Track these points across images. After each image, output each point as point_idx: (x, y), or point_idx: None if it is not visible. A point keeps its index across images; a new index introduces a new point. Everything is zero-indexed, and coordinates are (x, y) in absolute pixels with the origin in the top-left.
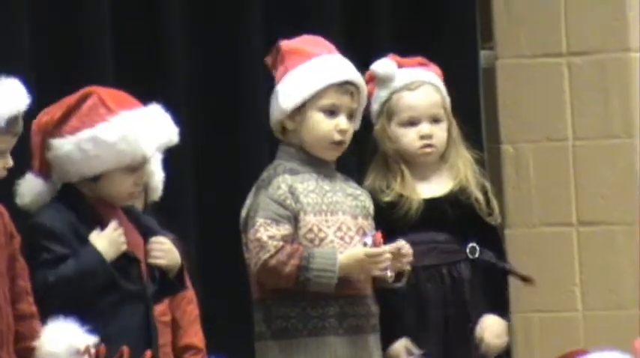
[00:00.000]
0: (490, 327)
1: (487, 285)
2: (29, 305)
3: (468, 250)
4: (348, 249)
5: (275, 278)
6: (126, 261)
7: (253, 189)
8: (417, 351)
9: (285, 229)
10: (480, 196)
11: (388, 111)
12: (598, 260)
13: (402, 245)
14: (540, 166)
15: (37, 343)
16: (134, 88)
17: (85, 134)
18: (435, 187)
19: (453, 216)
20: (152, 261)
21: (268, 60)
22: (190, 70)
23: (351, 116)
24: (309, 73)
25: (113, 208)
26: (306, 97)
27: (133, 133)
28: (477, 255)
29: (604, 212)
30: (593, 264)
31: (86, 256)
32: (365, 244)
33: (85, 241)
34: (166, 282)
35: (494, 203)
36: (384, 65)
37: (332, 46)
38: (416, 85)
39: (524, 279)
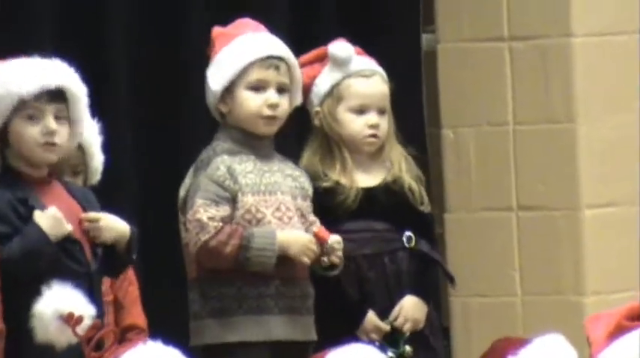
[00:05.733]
0: (408, 308)
1: (417, 270)
2: None
3: (405, 239)
4: (292, 230)
5: (215, 258)
6: (68, 241)
7: (192, 169)
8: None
9: (224, 210)
10: (415, 186)
11: (339, 94)
12: (537, 245)
13: (338, 240)
14: (481, 151)
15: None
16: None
17: None
18: (369, 177)
19: (389, 205)
20: (94, 239)
21: (208, 51)
22: (131, 55)
23: (281, 90)
24: (232, 53)
25: (50, 185)
26: (231, 77)
27: (3, 77)
28: (413, 244)
29: (544, 197)
30: (533, 249)
31: (31, 236)
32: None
33: (26, 220)
34: (112, 258)
35: (424, 193)
36: (344, 48)
37: (260, 25)
38: (370, 73)
39: (448, 277)
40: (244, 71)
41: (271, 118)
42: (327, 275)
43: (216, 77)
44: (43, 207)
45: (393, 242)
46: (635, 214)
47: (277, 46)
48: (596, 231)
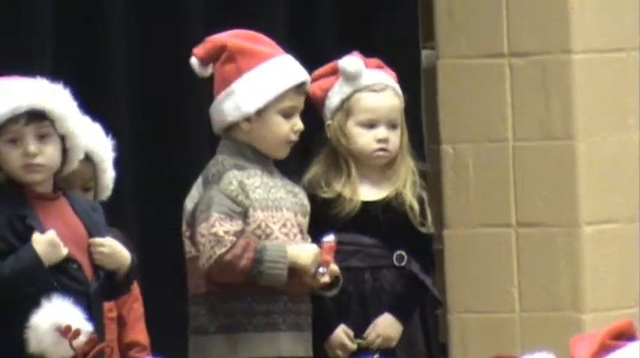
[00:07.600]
0: (380, 325)
1: (403, 290)
2: None
3: (395, 257)
4: (300, 244)
5: (229, 272)
6: (66, 261)
7: (199, 182)
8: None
9: (237, 225)
10: (415, 205)
11: (348, 108)
12: (536, 261)
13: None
14: (480, 167)
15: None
16: (74, 83)
17: None
18: (373, 191)
19: (385, 221)
20: (96, 262)
21: (200, 52)
22: (131, 63)
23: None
24: (269, 76)
25: (54, 202)
26: (269, 100)
27: None
28: (404, 264)
29: (543, 213)
30: (531, 266)
31: (24, 259)
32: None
33: (23, 238)
34: (112, 283)
35: (429, 213)
36: (354, 62)
37: (276, 45)
38: (380, 87)
39: (436, 301)
40: (280, 96)
41: (292, 143)
42: (325, 295)
43: (250, 97)
44: (40, 226)
45: (379, 258)
46: (633, 231)
47: (304, 71)
48: (594, 247)
